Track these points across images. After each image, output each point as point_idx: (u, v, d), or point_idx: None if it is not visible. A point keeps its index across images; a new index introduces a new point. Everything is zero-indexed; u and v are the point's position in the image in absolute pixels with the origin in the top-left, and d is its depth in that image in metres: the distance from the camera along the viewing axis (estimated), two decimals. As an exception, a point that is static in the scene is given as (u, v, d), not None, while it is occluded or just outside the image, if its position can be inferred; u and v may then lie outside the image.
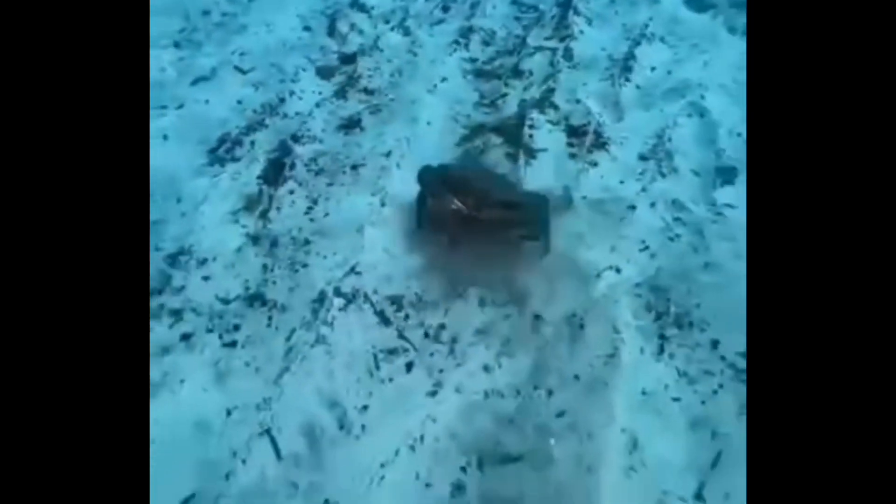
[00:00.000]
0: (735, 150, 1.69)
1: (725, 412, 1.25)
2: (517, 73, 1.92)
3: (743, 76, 1.84)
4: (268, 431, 1.23)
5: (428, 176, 1.47)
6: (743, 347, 1.31)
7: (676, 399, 1.28)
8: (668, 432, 1.23)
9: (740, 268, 1.43)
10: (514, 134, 1.74)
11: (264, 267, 1.49)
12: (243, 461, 1.19)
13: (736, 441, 1.21)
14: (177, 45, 2.08)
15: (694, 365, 1.32)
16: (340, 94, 1.89)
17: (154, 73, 1.96)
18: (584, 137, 1.73)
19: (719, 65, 1.88)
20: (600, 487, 1.14)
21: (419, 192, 1.48)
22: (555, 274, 1.44)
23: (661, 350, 1.34)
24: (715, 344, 1.34)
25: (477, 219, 1.40)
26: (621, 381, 1.28)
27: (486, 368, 1.31)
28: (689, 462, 1.19)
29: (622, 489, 1.15)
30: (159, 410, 1.26)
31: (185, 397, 1.29)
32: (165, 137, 1.79)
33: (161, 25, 2.10)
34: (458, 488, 1.17)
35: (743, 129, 1.73)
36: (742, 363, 1.30)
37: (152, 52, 1.99)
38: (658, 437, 1.22)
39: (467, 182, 1.44)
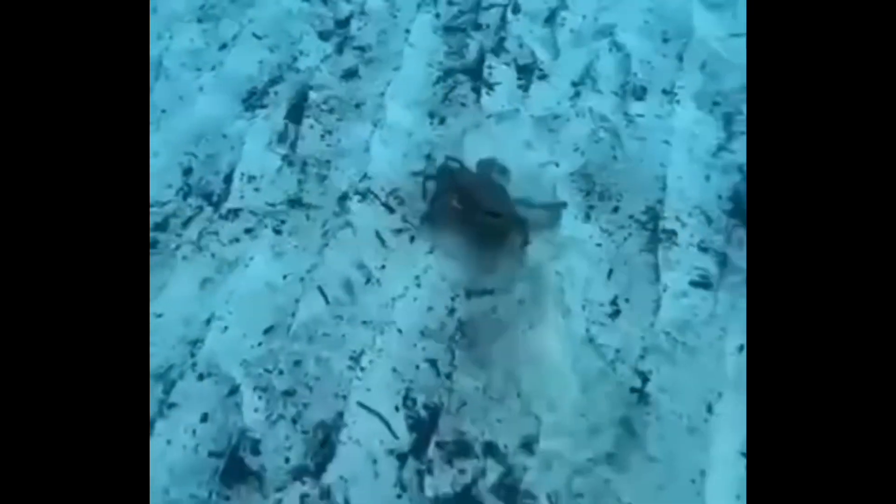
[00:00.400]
0: (644, 74, 2.22)
1: (631, 252, 1.82)
2: (476, 26, 2.42)
3: (651, 17, 2.37)
4: (319, 289, 1.77)
5: (442, 175, 1.88)
6: (642, 208, 1.88)
7: (598, 244, 1.84)
8: (593, 266, 1.80)
9: (643, 156, 1.99)
10: (476, 73, 2.26)
11: (298, 181, 2.01)
12: (300, 302, 1.74)
13: (638, 268, 1.78)
14: (199, 20, 2.55)
15: (612, 224, 1.88)
16: (339, 51, 2.38)
17: (184, 43, 2.44)
18: (530, 73, 2.26)
19: (633, 11, 2.40)
20: (545, 298, 1.71)
21: (435, 186, 1.89)
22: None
23: (588, 216, 1.90)
24: (625, 208, 1.90)
25: (468, 220, 1.83)
26: (563, 234, 1.84)
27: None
28: (606, 282, 1.76)
29: (559, 300, 1.72)
30: (239, 279, 1.80)
31: (255, 269, 1.82)
32: (201, 89, 2.27)
33: (184, 3, 2.57)
34: (451, 311, 1.73)
35: (651, 58, 2.27)
36: (643, 218, 1.87)
37: (182, 27, 2.47)
38: (585, 267, 1.78)
39: (470, 187, 1.83)
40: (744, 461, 1.44)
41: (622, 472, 1.46)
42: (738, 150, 2.02)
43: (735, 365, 1.60)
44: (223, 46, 2.41)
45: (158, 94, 2.26)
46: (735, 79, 2.18)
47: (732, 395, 1.54)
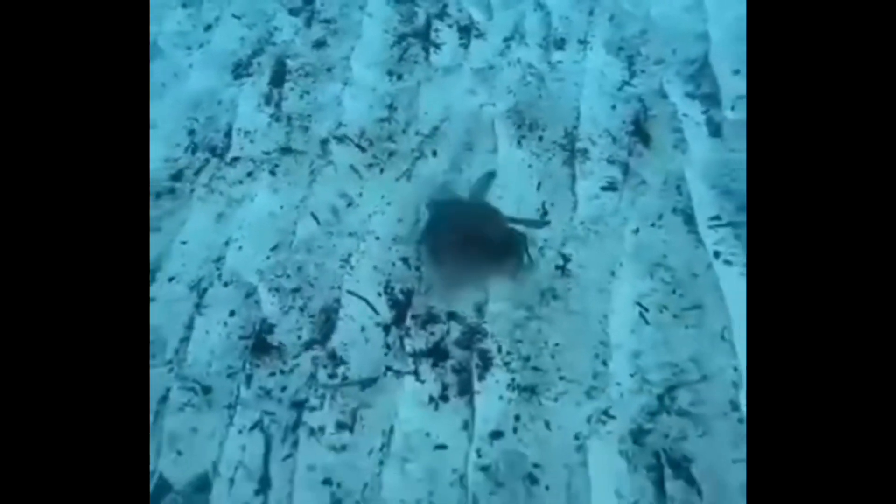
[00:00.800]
0: (563, 28, 2.70)
1: (555, 168, 2.31)
2: (423, -4, 2.87)
3: (568, -20, 2.84)
4: (312, 214, 2.23)
5: (435, 207, 2.15)
6: (562, 134, 2.37)
7: (530, 165, 2.33)
8: (524, 180, 2.29)
9: (563, 94, 2.48)
10: (425, 36, 2.72)
11: (286, 133, 2.46)
12: (297, 224, 2.20)
13: (560, 179, 2.27)
14: (184, 5, 2.95)
15: (539, 148, 2.37)
16: (307, 24, 2.81)
17: (174, 26, 2.85)
18: (468, 33, 2.72)
19: (552, -26, 2.87)
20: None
21: (428, 219, 2.14)
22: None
23: (520, 143, 2.39)
24: (548, 136, 2.39)
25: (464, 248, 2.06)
26: (501, 160, 2.33)
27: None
28: (536, 192, 2.25)
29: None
30: (247, 212, 2.25)
31: (258, 203, 2.26)
32: (191, 66, 2.70)
33: (169, -8, 2.97)
34: (416, 221, 2.21)
35: (569, 14, 2.74)
36: (563, 141, 2.36)
37: (169, 12, 2.87)
38: (518, 178, 2.28)
39: (464, 216, 2.11)
40: (636, 311, 1.96)
41: (551, 324, 1.96)
42: (638, 85, 2.52)
43: (632, 242, 2.11)
44: (208, 27, 2.83)
45: (157, 71, 2.68)
46: (636, 26, 2.68)
47: (629, 263, 2.06)
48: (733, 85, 2.47)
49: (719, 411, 1.79)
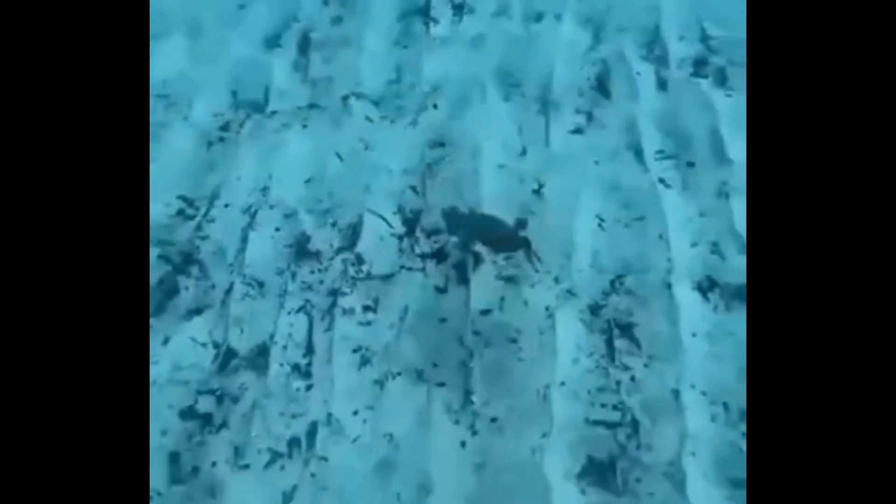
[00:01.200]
0: (540, 4, 3.24)
1: (533, 115, 2.86)
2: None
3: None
4: (337, 154, 2.77)
5: (454, 220, 2.51)
6: (539, 91, 2.91)
7: (513, 115, 2.88)
8: (508, 126, 2.83)
9: (540, 58, 3.02)
10: (425, 12, 3.25)
11: (312, 93, 3.00)
12: (325, 162, 2.74)
13: (532, 119, 2.82)
14: (220, -10, 3.48)
15: (521, 101, 2.91)
16: (325, 3, 3.34)
17: (213, 9, 3.38)
18: (461, 9, 3.26)
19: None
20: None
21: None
22: (454, 74, 3.01)
23: (506, 98, 2.93)
24: (527, 89, 2.94)
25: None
26: (489, 111, 2.87)
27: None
28: (517, 137, 2.80)
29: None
30: (284, 154, 2.79)
31: (293, 148, 2.80)
32: (229, 41, 3.23)
33: (207, -20, 3.49)
34: (422, 157, 2.75)
35: (545, -6, 3.29)
36: (540, 96, 2.90)
37: (208, -4, 3.40)
38: (503, 125, 2.82)
39: (477, 225, 2.47)
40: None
41: (529, 232, 2.51)
42: (602, 50, 3.06)
43: (593, 172, 2.66)
44: (241, 6, 3.37)
45: (202, 44, 3.21)
46: (602, 2, 3.22)
47: (591, 187, 2.61)
48: (679, 49, 3.03)
49: (656, 291, 2.34)
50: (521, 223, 2.47)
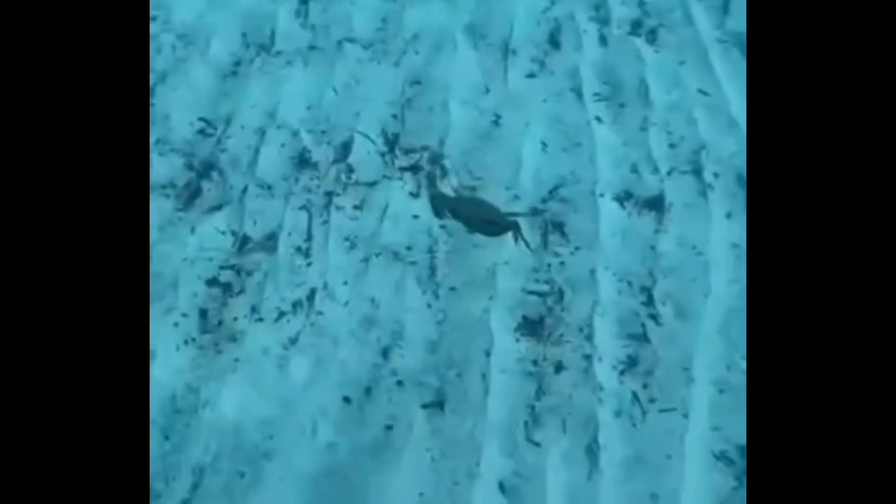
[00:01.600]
0: (506, -30, 3.82)
1: (496, 62, 3.45)
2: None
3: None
4: (333, 88, 3.35)
5: (437, 201, 2.87)
6: (501, 42, 3.51)
7: (478, 61, 3.47)
8: (474, 70, 3.43)
9: (502, 15, 3.62)
10: (409, -27, 3.83)
11: (312, 35, 3.56)
12: (322, 94, 3.33)
13: (494, 65, 3.42)
14: (230, -53, 4.00)
15: (486, 50, 3.51)
16: (323, -37, 3.89)
17: (224, -37, 3.90)
18: (440, -29, 3.83)
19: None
20: (450, 84, 3.36)
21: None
22: (431, 26, 3.59)
23: (474, 46, 3.52)
24: (492, 42, 3.53)
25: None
26: (459, 57, 3.47)
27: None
28: (482, 71, 3.40)
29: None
30: (288, 86, 3.36)
31: (295, 82, 3.38)
32: (241, -6, 3.77)
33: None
34: (402, 93, 3.34)
35: (511, -38, 3.87)
36: (502, 46, 3.50)
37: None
38: (469, 70, 3.42)
39: (463, 207, 2.83)
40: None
41: (485, 153, 3.12)
42: (555, 10, 3.66)
43: (541, 108, 3.28)
44: (251, -37, 3.90)
45: (215, -7, 3.75)
46: (557, -29, 3.81)
47: (538, 119, 3.23)
48: (620, 12, 3.64)
49: (584, 199, 2.98)
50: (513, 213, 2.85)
